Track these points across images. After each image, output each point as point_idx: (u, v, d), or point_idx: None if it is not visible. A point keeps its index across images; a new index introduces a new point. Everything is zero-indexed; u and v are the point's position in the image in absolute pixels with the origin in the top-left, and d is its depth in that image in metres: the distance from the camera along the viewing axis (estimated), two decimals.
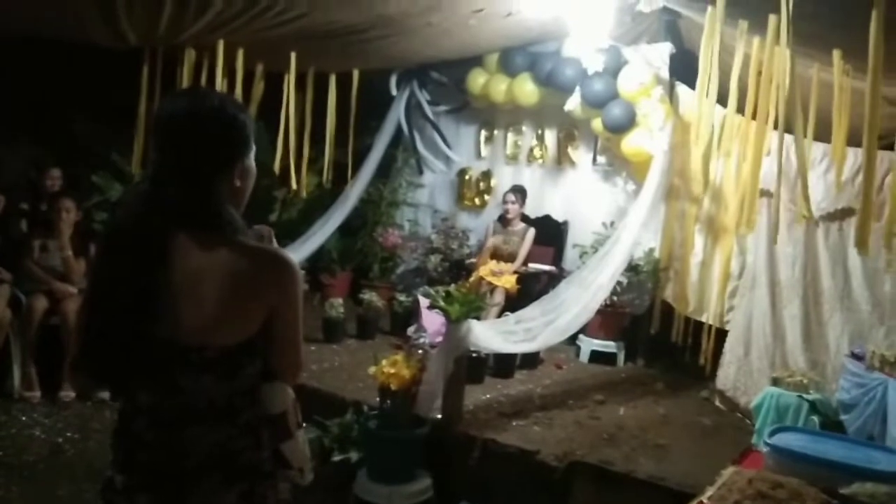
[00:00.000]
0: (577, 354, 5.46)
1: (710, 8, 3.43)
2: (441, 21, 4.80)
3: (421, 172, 6.78)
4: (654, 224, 5.18)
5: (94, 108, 5.73)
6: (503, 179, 6.39)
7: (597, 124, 5.41)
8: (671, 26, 5.16)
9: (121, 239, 1.47)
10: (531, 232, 5.79)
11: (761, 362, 4.39)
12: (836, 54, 3.32)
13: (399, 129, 6.61)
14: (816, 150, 4.17)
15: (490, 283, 5.42)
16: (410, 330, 5.29)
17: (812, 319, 4.32)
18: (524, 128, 6.35)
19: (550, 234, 6.04)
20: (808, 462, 2.44)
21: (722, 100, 3.87)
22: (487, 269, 5.56)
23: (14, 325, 4.47)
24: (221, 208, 1.48)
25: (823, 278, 4.32)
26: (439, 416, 3.73)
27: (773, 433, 2.81)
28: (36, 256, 4.72)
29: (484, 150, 6.60)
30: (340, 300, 5.58)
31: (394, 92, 6.50)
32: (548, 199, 6.19)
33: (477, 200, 6.59)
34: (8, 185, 5.04)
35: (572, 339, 5.24)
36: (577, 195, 6.03)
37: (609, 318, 5.27)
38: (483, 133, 6.59)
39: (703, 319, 4.91)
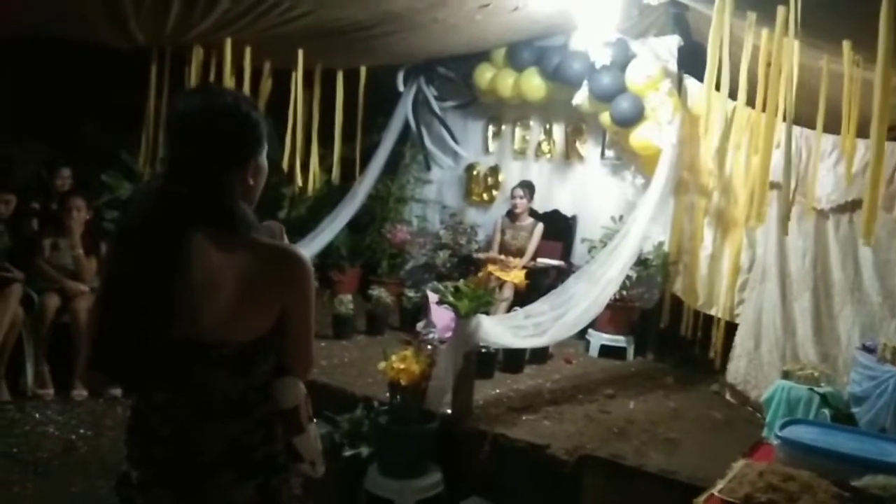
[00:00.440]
0: (587, 349, 5.45)
1: (717, 0, 3.41)
2: (447, 17, 4.79)
3: (429, 168, 6.78)
4: (664, 218, 5.17)
5: (103, 108, 5.77)
6: (511, 174, 6.38)
7: (605, 118, 5.40)
8: (679, 19, 5.13)
9: (133, 237, 1.47)
10: (539, 227, 5.78)
11: (772, 355, 4.37)
12: (846, 45, 3.30)
13: (407, 126, 6.60)
14: (826, 141, 4.15)
15: (499, 279, 5.42)
16: (419, 325, 5.30)
17: (823, 312, 4.30)
18: (532, 122, 6.33)
19: (559, 228, 6.03)
20: (820, 454, 2.43)
21: (731, 92, 3.85)
22: (496, 265, 5.56)
23: (27, 323, 4.51)
24: (235, 206, 1.49)
25: (834, 271, 4.30)
26: (449, 412, 3.74)
27: (783, 426, 2.80)
28: (47, 255, 4.76)
29: (492, 146, 6.59)
30: (350, 296, 5.60)
31: (401, 88, 6.50)
32: (556, 194, 6.18)
33: (485, 196, 6.58)
34: (19, 185, 5.07)
35: (582, 334, 5.23)
36: (586, 189, 6.02)
37: (618, 313, 5.26)
38: (491, 128, 6.58)
39: (713, 313, 4.90)
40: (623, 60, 5.20)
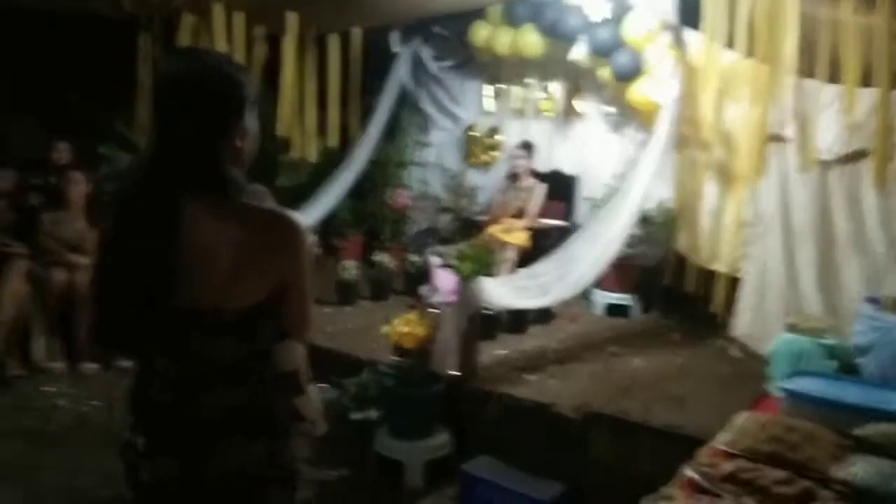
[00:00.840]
0: (592, 308, 5.46)
1: None
2: None
3: (427, 131, 6.72)
4: (666, 174, 5.12)
5: (97, 80, 5.70)
6: (511, 135, 6.32)
7: (604, 73, 5.32)
8: None
9: (128, 206, 1.47)
10: (541, 187, 5.74)
11: (776, 309, 4.37)
12: None
13: (404, 88, 6.53)
14: (828, 92, 4.09)
15: (501, 241, 5.40)
16: (423, 290, 5.31)
17: (827, 264, 4.29)
18: (530, 80, 6.25)
19: (561, 188, 5.99)
20: (824, 405, 2.44)
21: (729, 43, 3.78)
22: (498, 226, 5.54)
23: (34, 298, 4.53)
24: (225, 170, 1.48)
25: (837, 222, 4.27)
26: (455, 373, 3.76)
27: (788, 378, 2.81)
28: (49, 229, 4.76)
29: (490, 106, 6.51)
30: (353, 262, 5.60)
31: (395, 49, 6.41)
32: (557, 153, 6.13)
33: (485, 157, 6.52)
34: (18, 161, 5.05)
35: (586, 294, 5.23)
36: (587, 148, 5.96)
37: (622, 271, 5.24)
38: (489, 88, 6.50)
39: (717, 268, 4.89)
40: (620, 14, 5.10)
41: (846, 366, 3.40)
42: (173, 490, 1.48)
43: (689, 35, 4.98)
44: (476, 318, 3.84)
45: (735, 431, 2.24)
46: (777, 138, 4.40)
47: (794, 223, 4.41)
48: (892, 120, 3.69)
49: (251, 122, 1.56)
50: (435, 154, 6.80)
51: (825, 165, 4.29)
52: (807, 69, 3.69)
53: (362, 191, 6.58)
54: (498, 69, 6.35)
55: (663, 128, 4.80)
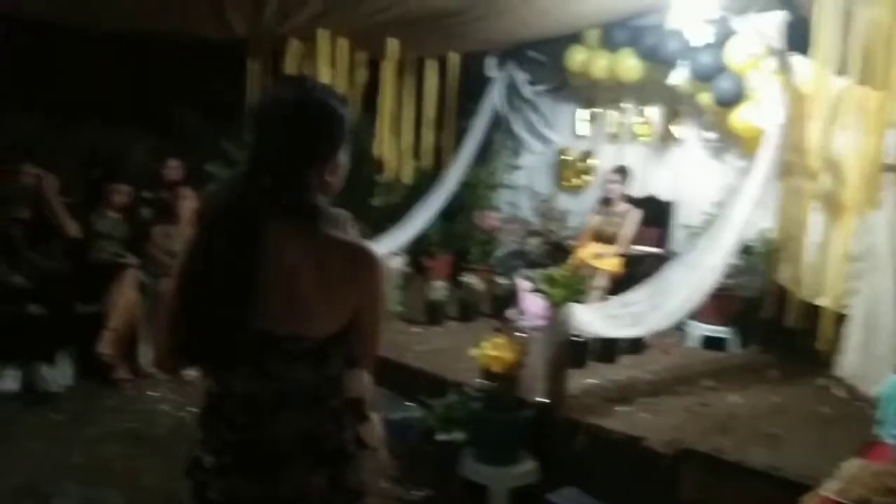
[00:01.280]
0: (686, 340, 5.30)
1: None
2: None
3: (519, 154, 6.73)
4: (768, 203, 4.93)
5: (207, 100, 6.04)
6: (605, 159, 6.25)
7: (704, 99, 5.20)
8: None
9: (216, 224, 1.48)
10: (636, 212, 5.64)
11: (886, 349, 4.11)
12: None
13: (497, 112, 6.57)
14: None
15: (592, 267, 5.33)
16: (511, 313, 5.30)
17: None
18: (626, 105, 6.17)
19: (656, 214, 5.86)
20: None
21: (840, 69, 3.62)
22: (589, 252, 5.47)
23: (143, 307, 4.79)
24: (313, 200, 1.48)
25: None
26: (543, 400, 3.72)
27: None
28: (159, 242, 5.03)
29: (584, 130, 6.46)
30: (442, 283, 5.65)
31: (491, 73, 6.47)
32: (653, 179, 6.01)
33: (577, 181, 6.48)
34: (133, 177, 5.37)
35: (680, 324, 5.08)
36: (684, 174, 5.81)
37: (720, 302, 5.05)
38: (583, 112, 6.45)
39: (821, 303, 4.65)
40: (723, 38, 4.98)
41: None
42: None
43: (796, 60, 4.81)
44: (565, 345, 3.79)
45: (845, 480, 2.13)
46: (891, 168, 4.17)
47: None
48: None
49: (344, 157, 1.57)
50: (526, 177, 6.80)
51: None
52: None
53: (452, 212, 6.65)
54: (593, 93, 6.30)
55: (766, 155, 4.64)
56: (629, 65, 5.62)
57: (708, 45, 5.01)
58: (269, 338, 1.45)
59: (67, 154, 5.71)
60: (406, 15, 4.79)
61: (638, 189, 5.92)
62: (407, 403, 4.05)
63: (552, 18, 5.27)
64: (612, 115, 6.25)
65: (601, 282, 5.25)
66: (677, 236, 5.72)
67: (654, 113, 6.00)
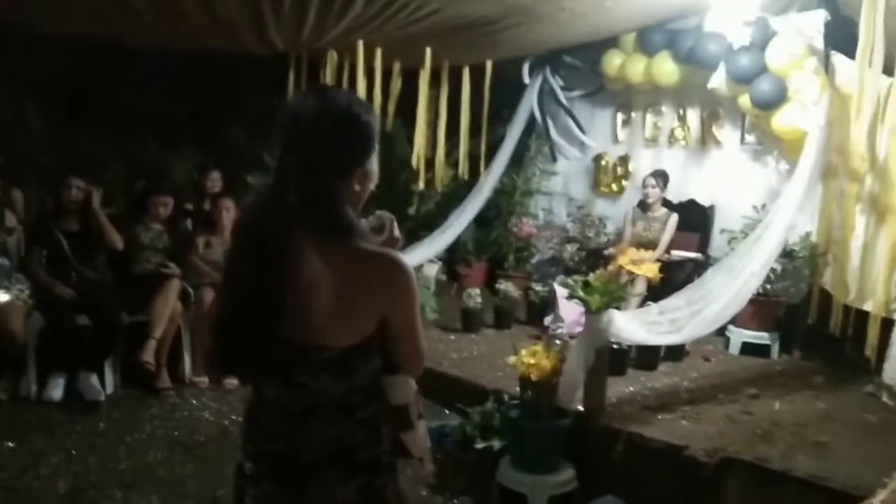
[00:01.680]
0: (727, 346, 5.20)
1: None
2: (575, 5, 4.71)
3: (555, 160, 6.71)
4: (811, 206, 4.83)
5: (247, 113, 6.15)
6: (642, 163, 6.19)
7: (744, 101, 5.11)
8: None
9: (247, 235, 1.51)
10: (674, 217, 5.58)
11: None
12: None
13: (532, 118, 6.56)
14: None
15: (630, 273, 5.27)
16: (547, 320, 5.27)
17: None
18: (664, 108, 6.11)
19: (695, 219, 5.79)
20: None
21: (886, 69, 3.53)
22: (627, 258, 5.41)
23: (185, 316, 4.89)
24: (340, 211, 1.46)
25: None
26: (581, 408, 3.69)
27: None
28: (201, 252, 5.12)
29: (621, 134, 6.42)
30: (478, 290, 5.65)
31: (526, 80, 6.46)
32: (692, 183, 5.93)
33: (614, 186, 6.43)
34: (175, 188, 5.49)
35: (721, 331, 5.00)
36: (724, 177, 5.73)
37: (762, 308, 4.97)
38: (620, 116, 6.41)
39: (867, 308, 4.53)
40: (763, 39, 4.90)
41: None
42: None
43: (839, 59, 4.71)
44: (604, 353, 3.75)
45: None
46: None
47: None
48: None
49: (373, 165, 1.55)
50: (561, 183, 6.77)
51: None
52: None
53: (487, 219, 6.66)
54: (630, 97, 6.26)
55: (809, 157, 4.55)
56: (667, 68, 5.57)
57: (747, 47, 4.93)
58: (297, 348, 1.45)
59: (111, 166, 5.86)
60: (441, 24, 4.81)
61: (676, 193, 5.85)
62: (444, 411, 4.06)
63: (589, 24, 5.24)
64: (649, 120, 6.19)
65: (640, 288, 5.20)
66: (717, 241, 5.63)
67: (692, 116, 5.92)
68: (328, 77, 5.38)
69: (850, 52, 4.11)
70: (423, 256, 5.76)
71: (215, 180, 5.63)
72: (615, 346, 4.15)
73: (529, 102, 6.50)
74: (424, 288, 5.56)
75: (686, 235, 5.67)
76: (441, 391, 4.14)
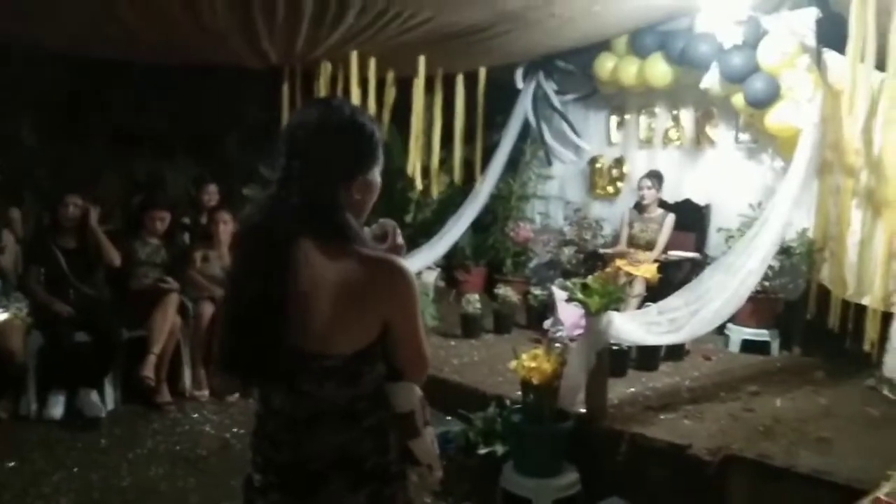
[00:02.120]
0: (727, 344, 5.21)
1: None
2: (564, 11, 4.73)
3: (550, 164, 6.72)
4: (807, 202, 4.84)
5: (242, 126, 6.15)
6: (637, 165, 6.21)
7: (737, 100, 5.13)
8: None
9: (249, 244, 1.52)
10: (670, 217, 5.59)
11: None
12: None
13: (527, 122, 6.57)
14: None
15: (628, 274, 5.28)
16: (547, 323, 5.27)
17: None
18: (658, 110, 6.12)
19: (691, 219, 5.80)
20: None
21: (878, 64, 3.55)
22: (625, 259, 5.42)
23: (184, 330, 4.88)
24: (341, 219, 1.48)
25: None
26: (583, 411, 3.69)
27: None
28: (198, 266, 5.12)
29: (615, 136, 6.43)
30: (477, 296, 5.65)
31: (520, 85, 6.48)
32: (687, 183, 5.94)
33: (610, 188, 6.44)
34: (172, 202, 5.49)
35: (721, 329, 5.01)
36: (719, 176, 5.74)
37: (760, 305, 4.98)
38: (614, 118, 6.43)
39: (865, 302, 4.54)
40: (754, 38, 4.92)
41: None
42: None
43: (831, 56, 4.74)
44: (604, 355, 3.75)
45: None
46: None
47: None
48: None
49: (375, 176, 1.56)
50: (557, 187, 6.79)
51: None
52: None
53: (484, 224, 6.67)
54: (623, 100, 6.28)
55: (804, 154, 4.56)
56: (659, 70, 5.58)
57: (739, 46, 4.95)
58: (300, 355, 1.46)
59: (107, 181, 5.87)
60: (434, 33, 4.83)
61: (672, 193, 5.86)
62: (446, 417, 4.05)
63: (578, 29, 5.26)
64: (643, 121, 6.21)
65: (638, 289, 5.21)
66: (714, 240, 5.64)
67: (686, 117, 5.94)
68: (322, 88, 5.39)
69: (841, 49, 4.14)
70: (421, 263, 5.76)
71: (212, 194, 5.62)
72: (615, 348, 4.15)
73: (523, 107, 6.51)
74: (424, 294, 5.56)
75: (683, 235, 5.68)
76: (442, 397, 4.13)
